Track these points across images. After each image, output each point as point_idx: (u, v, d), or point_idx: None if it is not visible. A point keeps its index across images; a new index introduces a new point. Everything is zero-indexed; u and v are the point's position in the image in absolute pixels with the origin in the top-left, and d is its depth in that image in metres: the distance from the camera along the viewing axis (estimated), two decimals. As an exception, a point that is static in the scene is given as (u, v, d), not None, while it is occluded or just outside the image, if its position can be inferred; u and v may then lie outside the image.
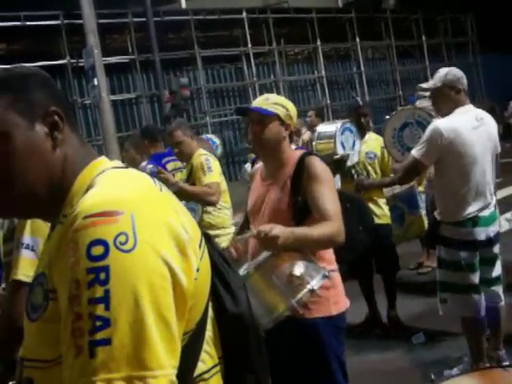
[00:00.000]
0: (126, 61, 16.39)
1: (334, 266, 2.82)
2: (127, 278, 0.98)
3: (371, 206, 4.76)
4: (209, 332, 1.20)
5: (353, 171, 5.07)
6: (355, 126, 5.08)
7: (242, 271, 2.43)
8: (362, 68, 21.59)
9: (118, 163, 1.23)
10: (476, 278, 3.73)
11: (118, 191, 1.08)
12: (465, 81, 3.79)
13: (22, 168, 1.14)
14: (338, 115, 14.87)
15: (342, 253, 2.85)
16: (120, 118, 15.63)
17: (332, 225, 2.60)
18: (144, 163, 5.33)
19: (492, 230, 3.78)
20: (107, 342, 0.95)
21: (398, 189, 4.89)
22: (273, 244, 2.46)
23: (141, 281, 0.99)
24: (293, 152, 2.93)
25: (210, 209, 4.90)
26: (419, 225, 4.92)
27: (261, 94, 13.03)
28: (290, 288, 2.43)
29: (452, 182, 3.70)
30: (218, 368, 1.21)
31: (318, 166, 2.76)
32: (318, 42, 20.17)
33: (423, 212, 5.06)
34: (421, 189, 5.55)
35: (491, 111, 5.12)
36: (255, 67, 18.59)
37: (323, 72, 20.34)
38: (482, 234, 3.72)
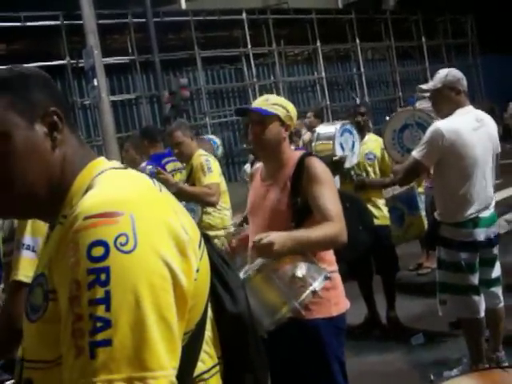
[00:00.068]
0: (126, 61, 16.42)
1: (335, 267, 2.82)
2: (128, 279, 0.98)
3: (370, 207, 4.76)
4: (208, 332, 1.20)
5: (352, 172, 5.07)
6: (355, 127, 5.08)
7: (242, 274, 2.42)
8: (362, 69, 21.62)
9: (117, 164, 1.23)
10: (476, 279, 3.73)
11: (117, 192, 1.08)
12: (465, 82, 3.79)
13: (22, 168, 1.14)
14: (338, 116, 14.90)
15: (342, 252, 2.84)
16: (120, 119, 15.65)
17: (334, 225, 2.60)
18: (144, 164, 5.33)
19: (492, 231, 3.78)
20: (108, 342, 0.95)
21: (397, 190, 4.88)
22: (268, 251, 2.45)
23: (141, 281, 0.98)
24: (293, 153, 2.93)
25: (209, 209, 4.90)
26: (419, 226, 4.91)
27: (260, 94, 13.04)
28: (292, 290, 2.43)
29: (452, 183, 3.70)
30: (217, 368, 1.21)
31: (318, 166, 2.76)
32: (318, 43, 20.20)
33: (423, 213, 5.06)
34: (420, 189, 5.55)
35: (491, 112, 5.13)
36: (255, 68, 18.62)
37: (323, 73, 20.38)
38: (482, 234, 3.72)
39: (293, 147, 3.36)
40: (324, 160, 2.94)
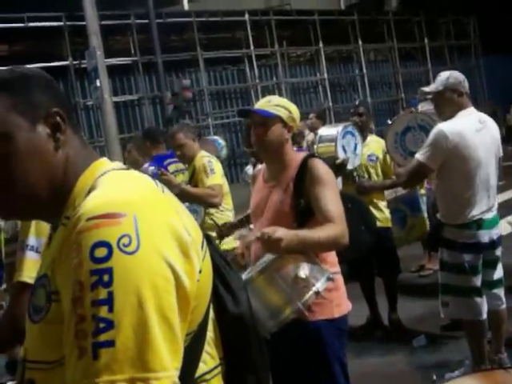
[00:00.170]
0: (129, 62, 16.41)
1: (337, 268, 2.82)
2: (130, 280, 0.98)
3: (372, 209, 4.75)
4: (210, 333, 1.20)
5: (354, 174, 5.07)
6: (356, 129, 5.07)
7: (245, 275, 2.42)
8: (364, 70, 21.58)
9: (119, 165, 1.23)
10: (478, 280, 3.73)
11: (120, 193, 1.08)
12: (466, 84, 3.79)
13: (24, 169, 1.14)
14: (340, 117, 14.89)
15: (344, 252, 2.84)
16: (122, 120, 15.66)
17: (336, 227, 2.60)
18: (146, 165, 5.33)
19: (495, 233, 3.78)
20: (111, 343, 0.95)
21: (399, 191, 4.88)
22: (276, 246, 2.44)
23: (144, 283, 0.99)
24: (295, 154, 2.93)
25: (212, 210, 4.90)
26: (421, 227, 4.91)
27: (263, 96, 13.00)
28: (295, 290, 2.42)
29: (456, 185, 3.69)
30: (219, 369, 1.21)
31: (321, 168, 2.76)
32: (321, 44, 20.18)
33: (425, 214, 5.06)
34: (422, 191, 5.55)
35: (493, 114, 5.12)
36: (257, 69, 18.61)
37: (325, 74, 20.35)
38: (485, 236, 3.71)
39: (294, 148, 3.35)
40: (327, 162, 2.94)
